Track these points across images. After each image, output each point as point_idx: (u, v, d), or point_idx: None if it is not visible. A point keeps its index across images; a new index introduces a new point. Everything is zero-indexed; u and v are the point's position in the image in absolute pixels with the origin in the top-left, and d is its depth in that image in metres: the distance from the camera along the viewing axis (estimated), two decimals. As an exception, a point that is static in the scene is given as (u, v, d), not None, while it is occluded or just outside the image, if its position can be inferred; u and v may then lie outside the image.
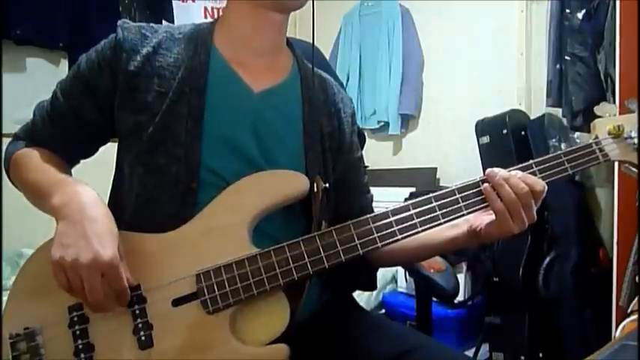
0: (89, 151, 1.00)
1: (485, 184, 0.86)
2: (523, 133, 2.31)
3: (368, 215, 0.85)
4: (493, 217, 0.87)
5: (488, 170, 0.87)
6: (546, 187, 0.86)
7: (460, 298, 2.22)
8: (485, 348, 2.29)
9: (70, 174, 0.95)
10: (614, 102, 1.97)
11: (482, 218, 0.89)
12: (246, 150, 0.89)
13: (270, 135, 0.92)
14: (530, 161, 0.89)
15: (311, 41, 1.26)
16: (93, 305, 0.77)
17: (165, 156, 0.87)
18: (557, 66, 2.31)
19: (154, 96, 0.87)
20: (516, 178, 0.85)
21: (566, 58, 2.24)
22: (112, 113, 0.90)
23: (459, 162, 2.78)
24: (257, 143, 0.90)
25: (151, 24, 0.95)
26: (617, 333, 1.59)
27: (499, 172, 0.86)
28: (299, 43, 1.04)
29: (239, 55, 0.93)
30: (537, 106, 2.54)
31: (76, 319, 0.80)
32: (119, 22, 0.92)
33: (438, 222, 0.85)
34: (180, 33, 0.94)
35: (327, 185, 0.92)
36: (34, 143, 0.95)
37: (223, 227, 0.84)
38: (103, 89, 0.90)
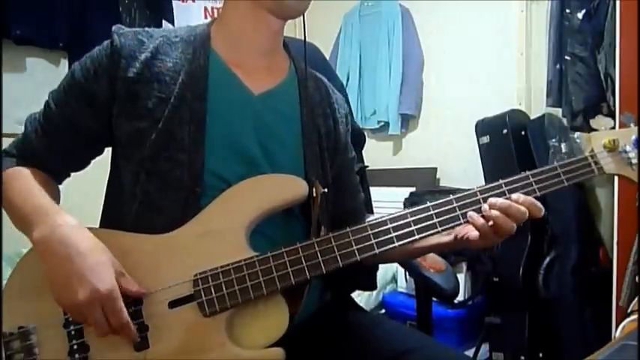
0: (82, 163, 0.98)
1: (471, 213, 0.86)
2: (523, 133, 2.30)
3: (367, 222, 0.85)
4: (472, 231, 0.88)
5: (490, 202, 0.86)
6: (543, 210, 0.87)
7: (460, 298, 2.23)
8: (485, 348, 2.29)
9: (57, 192, 0.93)
10: (614, 102, 1.97)
11: (469, 228, 0.89)
12: (249, 153, 0.89)
13: (271, 137, 0.92)
14: (527, 173, 0.90)
15: (312, 42, 1.26)
16: (102, 336, 0.77)
17: (169, 162, 0.86)
18: (557, 66, 2.31)
19: (154, 102, 0.87)
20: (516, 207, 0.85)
21: (566, 58, 2.24)
22: (110, 121, 0.89)
23: (459, 162, 2.77)
24: (259, 146, 0.90)
25: (146, 29, 0.94)
26: (617, 333, 1.59)
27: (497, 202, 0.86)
28: (299, 44, 1.04)
29: (237, 56, 0.93)
30: (537, 106, 2.53)
31: (71, 319, 0.79)
32: (114, 28, 0.91)
33: (435, 230, 0.86)
34: (177, 36, 0.93)
35: (326, 190, 0.92)
36: (25, 158, 0.93)
37: (220, 230, 0.84)
38: (100, 97, 0.88)
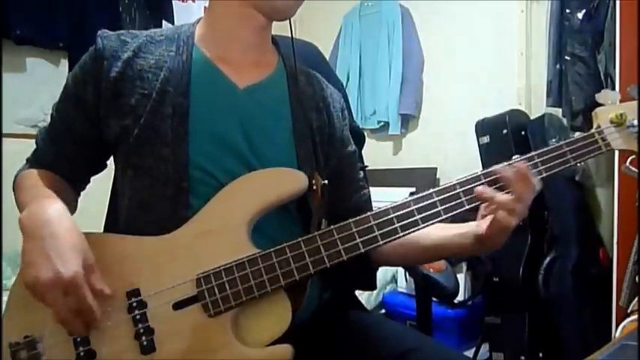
0: (94, 168, 1.00)
1: (479, 187, 0.85)
2: (523, 133, 2.30)
3: (369, 212, 0.84)
4: (488, 221, 0.86)
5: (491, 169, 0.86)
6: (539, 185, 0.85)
7: (460, 298, 2.22)
8: (485, 348, 2.29)
9: (68, 193, 0.94)
10: (614, 102, 1.97)
11: (482, 225, 0.88)
12: (234, 146, 0.89)
13: (258, 131, 0.91)
14: (533, 153, 0.87)
15: (312, 42, 1.26)
16: (63, 324, 0.75)
17: (153, 157, 0.86)
18: (557, 66, 2.31)
19: (137, 99, 0.87)
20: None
21: (566, 58, 2.24)
22: (100, 123, 0.90)
23: (459, 162, 2.77)
24: (245, 139, 0.90)
25: (131, 30, 0.94)
26: (617, 333, 1.59)
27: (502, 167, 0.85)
28: (297, 43, 1.04)
29: (222, 51, 0.93)
30: (537, 106, 2.53)
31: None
32: (99, 33, 0.92)
33: (440, 218, 0.84)
34: (162, 35, 0.94)
35: (326, 182, 0.92)
36: (39, 165, 0.96)
37: (222, 228, 0.83)
38: (89, 101, 0.90)
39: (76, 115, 0.92)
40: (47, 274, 0.73)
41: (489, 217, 0.86)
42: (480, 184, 0.86)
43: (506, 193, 0.84)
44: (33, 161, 0.98)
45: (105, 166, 1.00)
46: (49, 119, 0.97)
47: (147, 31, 0.95)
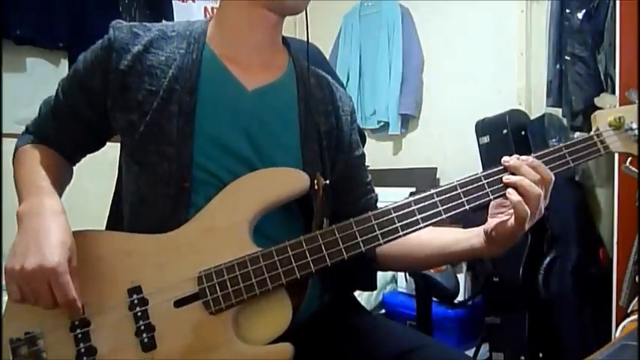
0: (90, 148, 1.01)
1: (507, 175, 0.85)
2: (523, 133, 2.30)
3: (370, 212, 0.84)
4: (500, 219, 0.86)
5: (503, 159, 0.86)
6: (553, 178, 0.86)
7: (460, 298, 2.22)
8: (485, 348, 2.29)
9: (66, 171, 0.97)
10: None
11: (491, 222, 0.88)
12: (238, 149, 0.89)
13: (265, 134, 0.91)
14: (531, 155, 0.87)
15: (311, 41, 1.26)
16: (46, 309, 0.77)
17: (157, 155, 0.86)
18: (557, 66, 2.31)
19: (144, 95, 0.87)
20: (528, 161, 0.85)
21: (566, 58, 2.24)
22: (106, 113, 0.91)
23: (458, 162, 2.77)
24: (250, 142, 0.90)
25: (145, 23, 0.94)
26: (617, 333, 1.59)
27: (512, 157, 0.86)
28: (299, 43, 1.04)
29: (233, 52, 0.93)
30: (537, 106, 2.53)
31: (77, 322, 0.79)
32: (112, 23, 0.92)
33: (440, 217, 0.85)
34: (174, 31, 0.94)
35: (328, 182, 0.92)
36: (39, 137, 0.97)
37: (224, 226, 0.84)
38: (95, 89, 0.90)
39: (81, 99, 0.93)
40: (33, 262, 0.74)
41: (499, 216, 0.87)
42: (480, 185, 0.86)
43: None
44: (33, 132, 0.99)
45: (103, 145, 1.01)
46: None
47: (159, 24, 0.95)
